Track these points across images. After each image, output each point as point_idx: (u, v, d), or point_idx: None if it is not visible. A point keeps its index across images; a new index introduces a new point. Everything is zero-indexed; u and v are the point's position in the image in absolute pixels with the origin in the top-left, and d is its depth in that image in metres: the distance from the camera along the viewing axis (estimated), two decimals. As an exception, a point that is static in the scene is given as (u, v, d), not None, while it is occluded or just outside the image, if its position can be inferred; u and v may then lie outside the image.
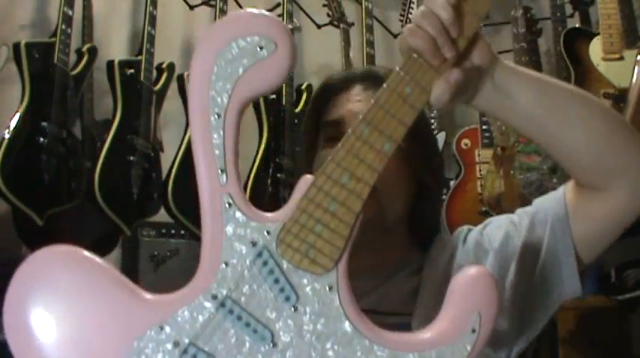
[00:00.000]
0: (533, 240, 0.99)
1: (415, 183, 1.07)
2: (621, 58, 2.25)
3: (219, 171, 0.77)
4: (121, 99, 2.35)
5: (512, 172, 2.41)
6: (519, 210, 1.05)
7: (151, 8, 2.48)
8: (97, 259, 0.78)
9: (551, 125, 0.90)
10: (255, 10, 0.81)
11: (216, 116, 0.77)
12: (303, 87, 2.74)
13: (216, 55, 0.78)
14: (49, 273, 0.76)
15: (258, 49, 0.77)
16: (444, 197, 2.75)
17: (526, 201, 2.33)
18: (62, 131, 2.20)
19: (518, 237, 1.01)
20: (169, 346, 0.75)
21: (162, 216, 2.40)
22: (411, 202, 1.07)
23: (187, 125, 2.46)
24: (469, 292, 0.78)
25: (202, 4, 2.82)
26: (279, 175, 2.48)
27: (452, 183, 2.76)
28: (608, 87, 2.21)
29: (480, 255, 1.03)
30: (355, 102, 1.06)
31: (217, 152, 0.78)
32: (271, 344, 0.75)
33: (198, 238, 2.62)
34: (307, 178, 0.80)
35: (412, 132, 1.04)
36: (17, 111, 2.12)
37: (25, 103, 2.14)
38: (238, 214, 0.77)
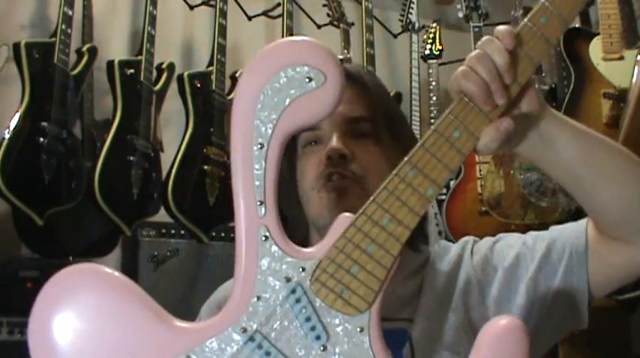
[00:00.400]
0: (548, 267, 0.98)
1: None
2: (621, 58, 2.25)
3: (258, 203, 0.76)
4: (121, 99, 2.35)
5: (512, 172, 2.41)
6: (533, 233, 1.04)
7: (151, 8, 2.48)
8: (126, 280, 0.77)
9: (588, 180, 0.89)
10: (307, 39, 0.79)
11: (259, 146, 0.76)
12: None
13: (264, 83, 0.76)
14: (76, 294, 0.75)
15: (307, 80, 0.76)
16: (443, 197, 2.75)
17: (526, 201, 2.34)
18: (62, 131, 2.20)
19: (532, 259, 0.99)
20: None
21: (162, 216, 2.40)
22: None
23: (187, 125, 2.47)
24: (498, 348, 0.75)
25: (202, 4, 2.83)
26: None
27: (452, 183, 2.76)
28: (608, 87, 2.21)
29: (489, 270, 1.01)
30: None
31: (257, 183, 0.76)
32: None
33: (198, 238, 2.63)
34: (345, 217, 0.78)
35: (391, 129, 1.03)
36: (17, 111, 2.12)
37: (25, 103, 2.14)
38: (274, 248, 0.77)
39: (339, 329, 0.76)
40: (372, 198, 0.79)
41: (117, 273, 0.77)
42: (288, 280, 0.76)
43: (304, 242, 1.07)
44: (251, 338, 0.75)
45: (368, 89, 1.04)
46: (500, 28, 0.83)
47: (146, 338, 0.75)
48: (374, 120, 1.03)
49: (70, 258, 2.36)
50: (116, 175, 2.28)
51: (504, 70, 0.80)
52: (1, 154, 2.04)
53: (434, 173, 0.79)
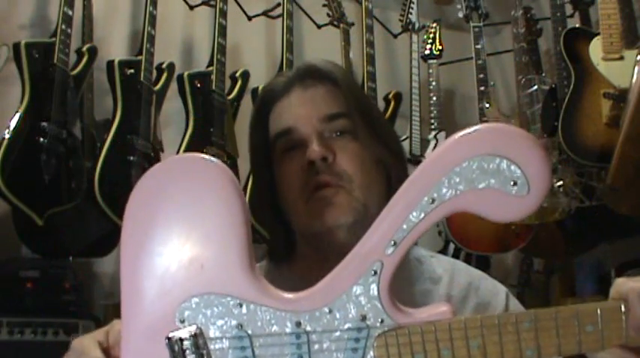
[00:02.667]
0: None
1: (380, 167, 1.03)
2: (621, 58, 2.24)
3: (392, 243, 0.77)
4: (121, 99, 2.35)
5: (512, 172, 2.40)
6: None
7: (151, 8, 2.48)
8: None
9: None
10: (538, 147, 0.76)
11: (430, 200, 0.76)
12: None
13: (477, 155, 0.75)
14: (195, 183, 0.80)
15: (512, 182, 0.74)
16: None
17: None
18: (62, 131, 2.20)
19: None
20: (233, 322, 0.77)
21: (162, 216, 2.39)
22: (385, 187, 1.03)
23: (187, 125, 2.47)
24: None
25: (202, 4, 2.83)
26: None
27: (452, 183, 2.76)
28: (608, 87, 2.21)
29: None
30: (300, 105, 1.02)
31: (405, 226, 0.76)
32: None
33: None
34: (444, 311, 0.77)
35: (367, 123, 1.01)
36: (17, 111, 2.12)
37: (25, 103, 2.14)
38: (374, 286, 0.77)
39: None
40: (482, 319, 0.76)
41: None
42: (363, 318, 0.77)
43: (289, 250, 1.07)
44: (297, 335, 0.77)
45: (340, 85, 1.02)
46: None
47: (221, 266, 0.78)
48: (350, 116, 1.01)
49: (70, 258, 2.36)
50: (116, 175, 2.28)
51: None
52: (1, 154, 2.04)
53: (544, 342, 0.75)
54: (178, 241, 0.79)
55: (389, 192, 1.02)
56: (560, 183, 2.29)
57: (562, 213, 2.30)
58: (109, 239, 2.42)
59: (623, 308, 0.75)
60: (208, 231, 0.79)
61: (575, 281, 2.70)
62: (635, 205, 2.13)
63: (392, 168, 1.03)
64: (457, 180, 0.75)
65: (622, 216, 2.17)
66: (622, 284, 0.78)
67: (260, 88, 2.63)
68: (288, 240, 1.06)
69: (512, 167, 0.74)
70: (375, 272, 0.77)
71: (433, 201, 0.76)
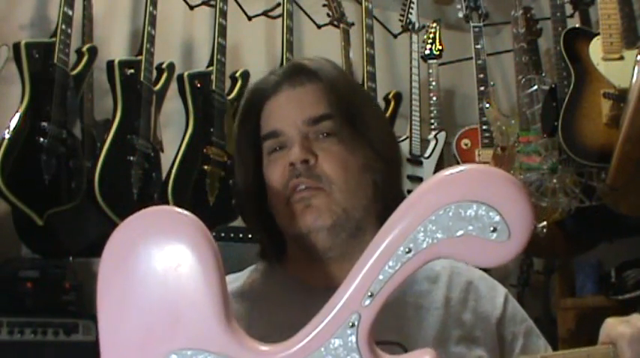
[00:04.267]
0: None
1: (367, 171, 1.01)
2: (621, 58, 2.24)
3: (369, 294, 0.74)
4: (121, 99, 2.35)
5: (512, 172, 2.40)
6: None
7: (151, 8, 2.48)
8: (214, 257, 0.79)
9: None
10: (518, 188, 0.72)
11: (406, 250, 0.73)
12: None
13: (452, 202, 0.72)
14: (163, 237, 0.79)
15: (491, 228, 0.71)
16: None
17: (526, 201, 2.34)
18: (62, 131, 2.20)
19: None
20: None
21: (162, 216, 2.40)
22: (372, 192, 1.01)
23: (187, 125, 2.47)
24: None
25: (202, 4, 2.83)
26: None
27: (452, 183, 2.76)
28: (608, 87, 2.21)
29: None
30: (287, 107, 1.01)
31: (381, 277, 0.74)
32: None
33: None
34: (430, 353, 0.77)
35: (355, 125, 1.00)
36: (17, 111, 2.12)
37: (25, 103, 2.14)
38: (352, 338, 0.75)
39: None
40: None
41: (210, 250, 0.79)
42: None
43: (279, 250, 1.06)
44: None
45: (328, 85, 1.01)
46: None
47: (198, 321, 0.77)
48: (336, 118, 1.00)
49: (70, 258, 2.36)
50: (116, 175, 2.28)
51: None
52: (1, 154, 2.04)
53: None
54: (154, 297, 0.78)
55: (376, 196, 1.01)
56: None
57: (562, 212, 2.30)
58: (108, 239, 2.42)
59: (612, 354, 0.77)
60: (184, 286, 0.78)
61: (575, 281, 2.70)
62: (635, 205, 2.13)
63: (379, 172, 1.01)
64: (433, 228, 0.72)
65: (622, 216, 2.17)
66: (611, 328, 0.79)
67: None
68: (278, 241, 1.06)
69: (491, 213, 0.71)
70: (353, 325, 0.75)
71: (409, 250, 0.73)
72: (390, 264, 0.73)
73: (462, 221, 0.71)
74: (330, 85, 1.01)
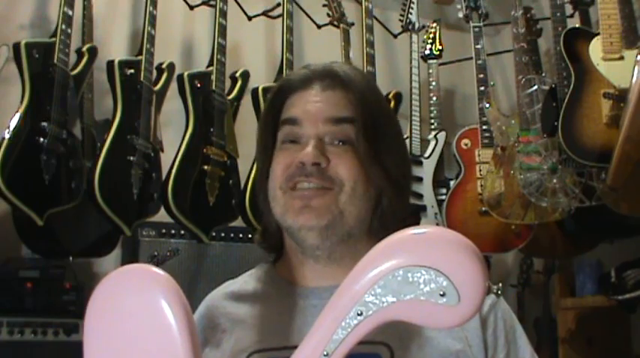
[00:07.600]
0: None
1: (372, 187, 1.01)
2: (621, 58, 2.24)
3: (324, 353, 0.75)
4: (121, 99, 2.35)
5: (512, 172, 2.41)
6: None
7: (151, 8, 2.48)
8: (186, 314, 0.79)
9: None
10: (467, 252, 0.73)
11: (357, 312, 0.74)
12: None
13: (400, 266, 0.72)
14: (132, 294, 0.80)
15: (440, 293, 0.71)
16: (443, 197, 2.75)
17: (526, 201, 2.34)
18: (62, 131, 2.20)
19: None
20: None
21: (162, 216, 2.40)
22: (372, 210, 1.02)
23: (187, 125, 2.47)
24: None
25: (202, 4, 2.83)
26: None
27: (452, 183, 2.76)
28: (608, 87, 2.21)
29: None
30: (313, 102, 1.02)
31: (335, 337, 0.74)
32: None
33: (198, 238, 2.63)
34: None
35: (373, 137, 1.00)
36: (17, 111, 2.12)
37: (25, 103, 2.14)
38: None
39: None
40: None
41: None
42: None
43: (279, 240, 1.07)
44: None
45: (357, 96, 1.02)
46: None
47: None
48: (356, 125, 1.00)
49: (70, 258, 2.36)
50: (116, 175, 2.28)
51: None
52: (1, 154, 2.04)
53: None
54: (133, 346, 0.79)
55: (375, 213, 1.02)
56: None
57: (562, 212, 2.30)
58: (109, 239, 2.43)
59: None
60: (157, 347, 0.78)
61: (575, 281, 2.70)
62: (635, 205, 2.13)
63: (385, 192, 1.02)
64: (382, 292, 0.73)
65: (622, 216, 2.17)
66: None
67: (260, 88, 2.64)
68: (279, 235, 1.07)
69: (439, 278, 0.71)
70: None
71: (360, 313, 0.73)
72: (343, 325, 0.74)
73: (410, 286, 0.72)
74: (358, 97, 1.02)
